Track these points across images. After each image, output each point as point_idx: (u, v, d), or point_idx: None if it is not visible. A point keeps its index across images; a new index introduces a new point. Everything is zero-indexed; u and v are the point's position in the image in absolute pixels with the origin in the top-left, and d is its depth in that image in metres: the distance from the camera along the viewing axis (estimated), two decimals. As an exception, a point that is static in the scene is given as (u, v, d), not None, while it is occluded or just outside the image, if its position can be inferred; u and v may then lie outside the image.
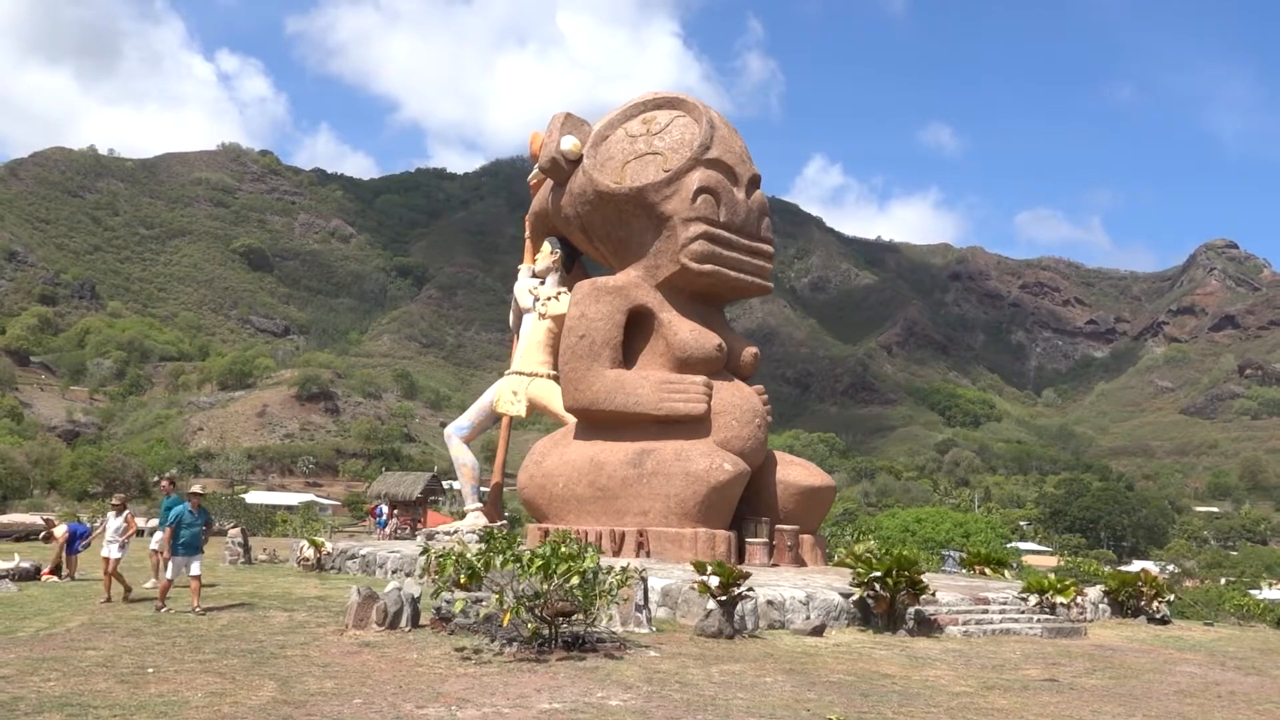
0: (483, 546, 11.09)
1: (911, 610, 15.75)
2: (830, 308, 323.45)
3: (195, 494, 14.84)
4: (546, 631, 11.17)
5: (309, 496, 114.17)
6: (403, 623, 12.74)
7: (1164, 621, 19.43)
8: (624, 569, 11.78)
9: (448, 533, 25.30)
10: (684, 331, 21.51)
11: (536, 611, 10.77)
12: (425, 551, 16.48)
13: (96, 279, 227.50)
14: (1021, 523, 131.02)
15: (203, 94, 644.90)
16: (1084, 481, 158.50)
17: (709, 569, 13.39)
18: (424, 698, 8.78)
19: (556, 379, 24.97)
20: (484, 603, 11.69)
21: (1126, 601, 19.83)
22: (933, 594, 15.81)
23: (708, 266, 21.26)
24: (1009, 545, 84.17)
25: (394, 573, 21.15)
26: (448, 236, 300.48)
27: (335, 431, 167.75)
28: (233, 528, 26.77)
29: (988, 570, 22.74)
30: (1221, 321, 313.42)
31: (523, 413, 24.67)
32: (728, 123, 23.00)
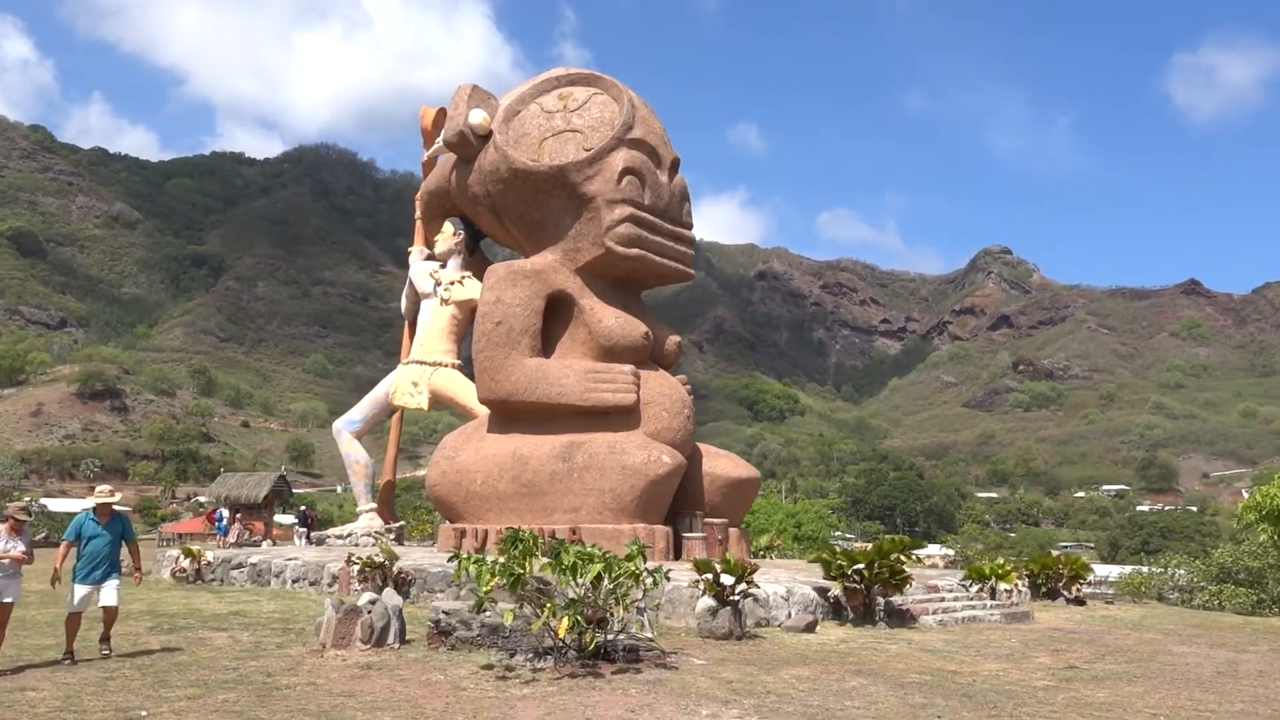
0: (515, 550, 9.77)
1: (881, 602, 15.45)
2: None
3: (102, 502, 11.52)
4: (577, 643, 9.99)
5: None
6: (390, 639, 11.18)
7: (1080, 602, 20.11)
8: (654, 570, 10.73)
9: (340, 536, 23.28)
10: (609, 319, 20.45)
11: (581, 621, 9.58)
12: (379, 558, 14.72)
13: None
14: (826, 511, 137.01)
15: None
16: (881, 471, 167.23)
17: (717, 566, 12.53)
18: (511, 729, 7.49)
19: (460, 368, 23.43)
20: (499, 612, 10.36)
21: (1044, 584, 20.41)
22: (911, 585, 15.56)
23: (634, 251, 20.25)
24: (835, 533, 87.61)
25: (295, 582, 19.08)
26: (247, 225, 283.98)
27: (123, 432, 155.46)
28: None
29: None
30: (998, 321, 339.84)
31: (424, 405, 22.91)
32: (646, 103, 22.11)
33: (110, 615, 11.20)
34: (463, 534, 20.37)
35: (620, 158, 20.25)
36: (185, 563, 20.36)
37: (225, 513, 38.70)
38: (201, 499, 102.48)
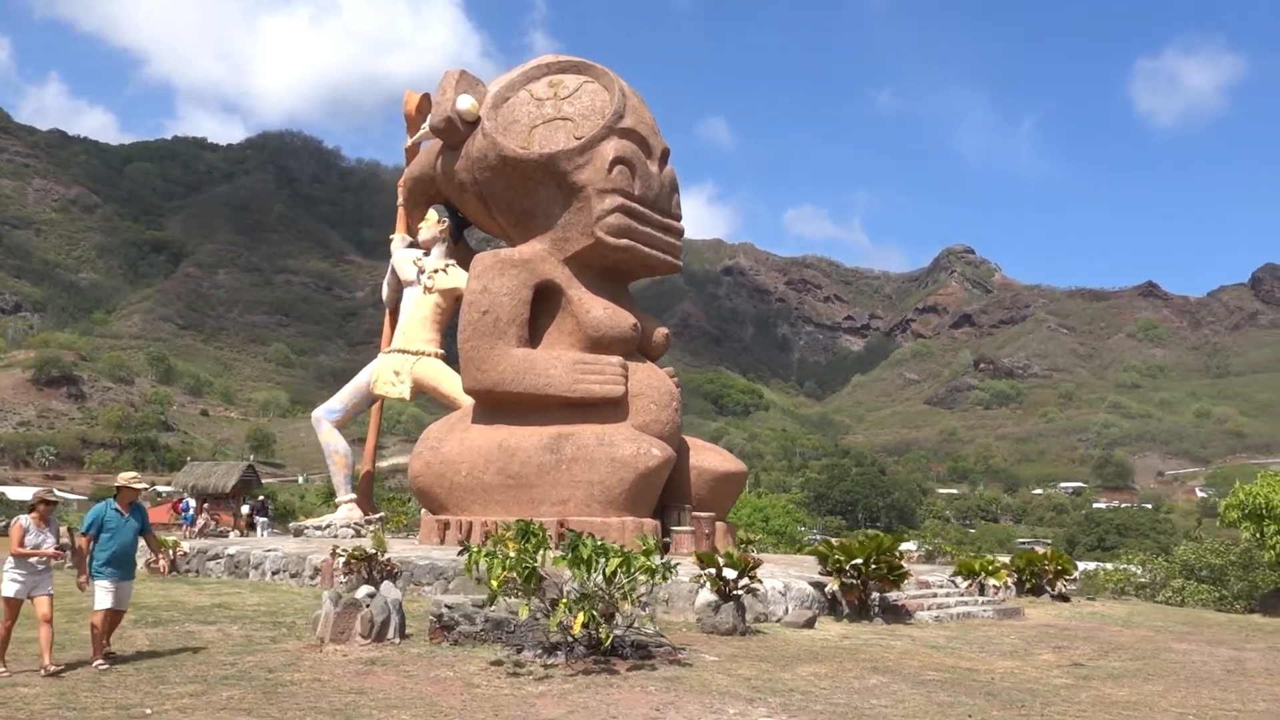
0: (529, 543, 9.50)
1: (876, 597, 15.36)
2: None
3: (127, 487, 10.31)
4: (589, 639, 9.74)
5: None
6: (390, 633, 10.87)
7: (1065, 599, 20.17)
8: (663, 564, 10.52)
9: (319, 527, 22.84)
10: (597, 309, 20.18)
11: (596, 616, 9.34)
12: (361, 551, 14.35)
13: None
14: (792, 506, 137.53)
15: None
16: (844, 467, 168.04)
17: (721, 560, 12.34)
18: (535, 728, 7.24)
19: (443, 358, 23.06)
20: (511, 607, 10.11)
21: (1029, 580, 20.45)
22: (909, 580, 15.49)
23: (623, 241, 19.99)
24: (802, 528, 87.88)
25: (274, 574, 18.65)
26: (208, 211, 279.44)
27: (80, 419, 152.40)
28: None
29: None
30: (960, 320, 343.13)
31: (406, 394, 22.50)
32: (636, 92, 21.87)
33: (118, 620, 10.42)
34: (446, 526, 20.05)
35: (611, 147, 19.96)
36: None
37: (192, 502, 37.96)
38: (160, 489, 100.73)
